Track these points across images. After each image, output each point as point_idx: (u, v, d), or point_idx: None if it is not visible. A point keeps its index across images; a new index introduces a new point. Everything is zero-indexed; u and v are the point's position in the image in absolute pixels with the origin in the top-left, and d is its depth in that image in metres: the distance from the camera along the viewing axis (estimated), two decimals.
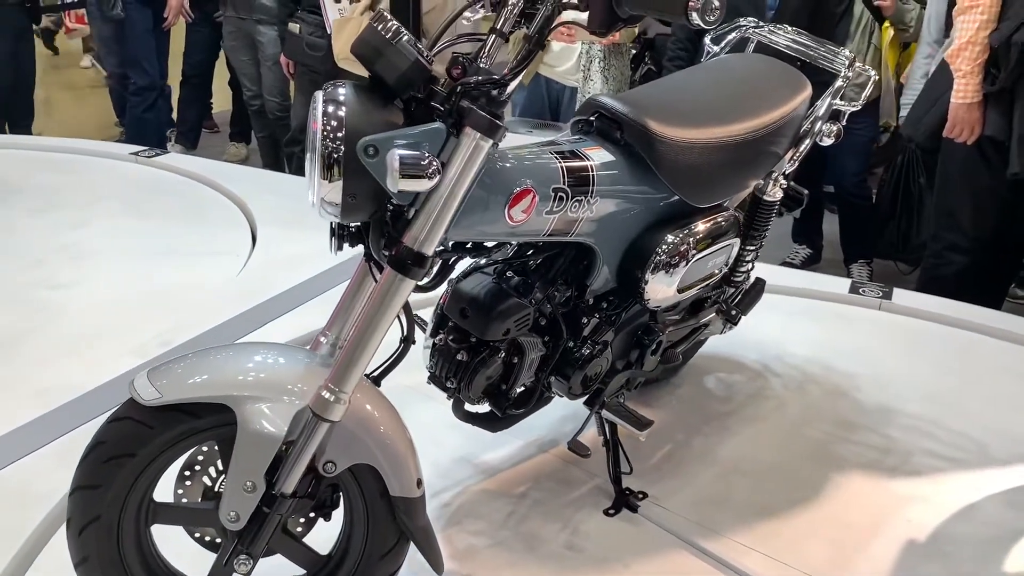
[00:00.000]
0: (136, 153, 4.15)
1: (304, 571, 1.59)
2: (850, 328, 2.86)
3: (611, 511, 2.01)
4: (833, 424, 2.34)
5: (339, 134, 1.32)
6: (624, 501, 2.02)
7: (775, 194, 2.11)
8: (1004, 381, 2.56)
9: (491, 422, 1.87)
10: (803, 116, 2.08)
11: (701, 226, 1.87)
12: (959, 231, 3.34)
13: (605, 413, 1.95)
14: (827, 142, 2.20)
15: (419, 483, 1.51)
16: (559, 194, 1.58)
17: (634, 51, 4.40)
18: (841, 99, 2.14)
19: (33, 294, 2.84)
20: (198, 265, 3.06)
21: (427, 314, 1.81)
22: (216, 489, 1.54)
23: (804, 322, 2.89)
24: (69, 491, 1.44)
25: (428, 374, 1.79)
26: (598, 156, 1.69)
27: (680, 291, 1.89)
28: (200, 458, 1.54)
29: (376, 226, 1.43)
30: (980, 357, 2.70)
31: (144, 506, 1.47)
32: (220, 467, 1.54)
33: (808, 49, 2.16)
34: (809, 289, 3.10)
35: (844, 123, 2.11)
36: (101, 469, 1.41)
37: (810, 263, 4.41)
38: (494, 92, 1.36)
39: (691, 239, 1.83)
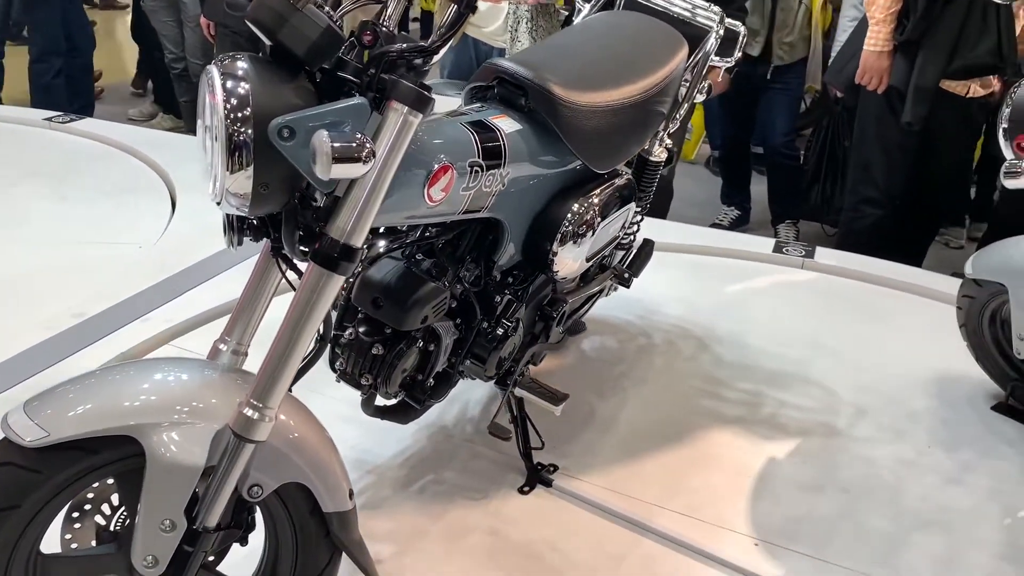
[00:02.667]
0: (50, 119, 4.00)
1: None
2: (772, 286, 2.93)
3: (526, 488, 1.96)
4: (749, 380, 2.39)
5: (245, 114, 1.15)
6: (537, 477, 1.98)
7: (660, 155, 2.11)
8: (915, 334, 2.65)
9: (404, 414, 1.76)
10: (681, 75, 2.07)
11: (603, 193, 1.82)
12: (873, 185, 3.41)
13: (518, 391, 1.88)
14: (699, 99, 2.22)
15: (351, 495, 1.38)
16: (474, 168, 1.48)
17: (565, 12, 4.24)
18: (715, 55, 2.16)
19: None
20: (114, 235, 2.99)
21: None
22: (111, 528, 1.34)
23: (727, 282, 2.94)
24: None
25: (336, 372, 1.65)
26: (506, 125, 1.59)
27: (587, 260, 1.85)
28: (90, 495, 1.34)
29: (289, 218, 1.27)
30: (894, 312, 2.80)
31: (32, 561, 1.25)
32: (115, 503, 1.34)
33: (678, 5, 2.15)
34: (734, 249, 3.15)
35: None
36: None
37: (739, 224, 4.40)
38: (418, 61, 1.23)
39: (596, 207, 1.78)
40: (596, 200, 1.79)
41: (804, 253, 3.11)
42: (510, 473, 2.00)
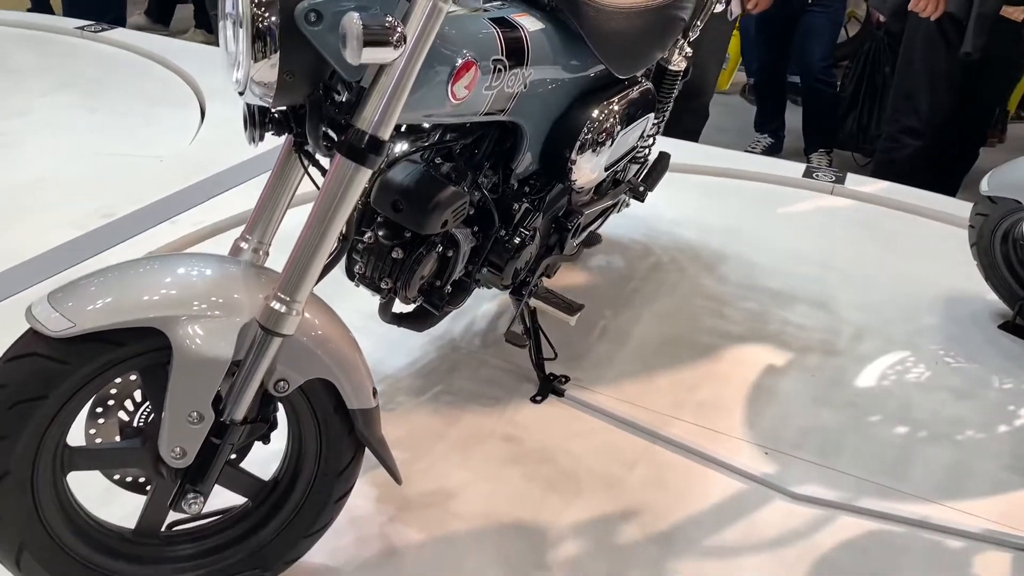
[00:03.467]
0: (82, 28, 4.05)
1: (245, 500, 1.45)
2: (800, 211, 2.89)
3: (538, 398, 1.98)
4: (759, 298, 2.39)
5: None
6: (550, 387, 1.99)
7: (680, 64, 2.07)
8: (933, 259, 2.62)
9: (420, 321, 1.76)
10: None
11: (623, 100, 1.79)
12: (915, 114, 3.33)
13: (533, 301, 1.88)
14: (718, 8, 2.17)
15: (375, 393, 1.38)
16: (497, 67, 1.45)
17: None
18: None
19: None
20: (144, 140, 3.07)
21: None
22: (135, 424, 1.35)
23: (754, 205, 2.91)
24: None
25: (355, 277, 1.64)
26: (528, 23, 1.55)
27: (605, 169, 1.82)
28: (113, 391, 1.33)
29: (314, 109, 1.24)
30: (918, 238, 2.77)
31: (59, 453, 1.26)
32: (139, 399, 1.34)
33: None
34: (764, 173, 3.11)
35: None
36: (5, 417, 1.18)
37: (771, 152, 4.33)
38: None
39: (616, 115, 1.75)
40: (616, 107, 1.75)
41: (834, 179, 3.06)
42: (522, 383, 2.02)
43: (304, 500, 1.42)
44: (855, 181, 3.09)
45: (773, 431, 1.93)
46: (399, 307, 1.75)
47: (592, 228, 2.08)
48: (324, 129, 1.25)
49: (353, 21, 1.08)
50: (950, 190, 3.37)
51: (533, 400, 1.97)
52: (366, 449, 1.41)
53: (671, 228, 2.70)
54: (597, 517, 1.67)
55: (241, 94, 1.21)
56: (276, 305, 1.21)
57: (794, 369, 2.13)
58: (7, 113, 3.29)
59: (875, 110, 4.02)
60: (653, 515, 1.69)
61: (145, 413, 1.34)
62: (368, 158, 1.18)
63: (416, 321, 1.76)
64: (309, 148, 1.31)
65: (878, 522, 1.71)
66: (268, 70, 1.15)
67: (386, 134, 1.19)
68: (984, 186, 2.21)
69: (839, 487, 1.78)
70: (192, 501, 1.27)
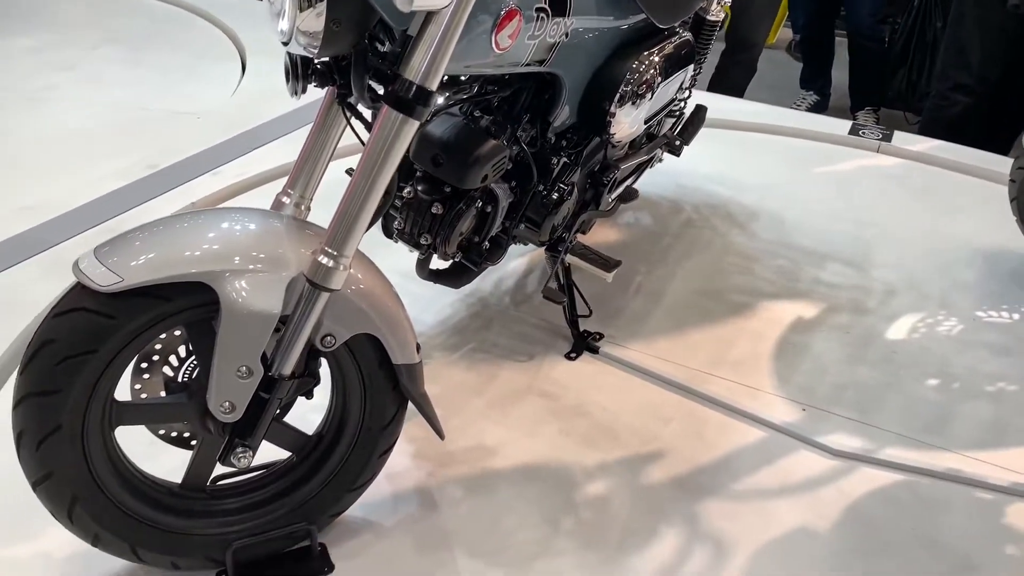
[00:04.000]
0: None
1: (289, 454, 1.45)
2: (845, 169, 2.84)
3: (572, 355, 1.97)
4: (794, 255, 2.38)
5: None
6: (584, 344, 1.98)
7: (718, 14, 2.02)
8: (984, 220, 2.56)
9: (457, 277, 1.75)
10: None
11: (663, 52, 1.75)
12: (966, 70, 3.22)
13: (569, 257, 1.86)
14: None
15: (418, 348, 1.38)
16: (540, 15, 1.41)
17: None
18: None
19: (16, 115, 2.94)
20: (186, 94, 3.15)
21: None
22: (180, 379, 1.35)
23: (799, 163, 2.86)
24: (14, 402, 1.20)
25: (393, 234, 1.63)
26: None
27: (644, 123, 1.80)
28: (158, 347, 1.33)
29: (359, 60, 1.21)
30: (969, 197, 2.72)
31: (107, 408, 1.26)
32: (183, 354, 1.34)
33: None
34: (809, 130, 3.04)
35: None
36: (56, 372, 1.17)
37: (817, 110, 4.15)
38: None
39: (656, 66, 1.72)
40: (657, 59, 1.72)
41: (881, 136, 2.99)
42: (556, 340, 2.01)
43: (349, 454, 1.42)
44: (903, 139, 3.02)
45: (809, 387, 1.92)
46: (435, 264, 1.74)
47: (628, 183, 2.05)
48: (369, 80, 1.22)
49: None
50: (1002, 149, 3.24)
51: (568, 357, 1.97)
52: (408, 404, 1.41)
53: (706, 184, 2.67)
54: (634, 470, 1.68)
55: (286, 44, 1.19)
56: (324, 259, 1.19)
57: (828, 326, 2.12)
58: (56, 67, 3.35)
59: (926, 66, 3.84)
60: (689, 468, 1.69)
61: (190, 368, 1.34)
62: (416, 109, 1.16)
63: (453, 277, 1.75)
64: (352, 100, 1.28)
65: (915, 476, 1.71)
66: (314, 19, 1.12)
67: (434, 84, 1.16)
68: None
69: (876, 442, 1.77)
70: (241, 455, 1.28)
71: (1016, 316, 2.18)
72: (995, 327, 2.14)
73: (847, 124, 3.13)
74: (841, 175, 2.85)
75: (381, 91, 1.25)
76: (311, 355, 1.30)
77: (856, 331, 2.10)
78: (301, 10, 1.11)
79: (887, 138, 3.00)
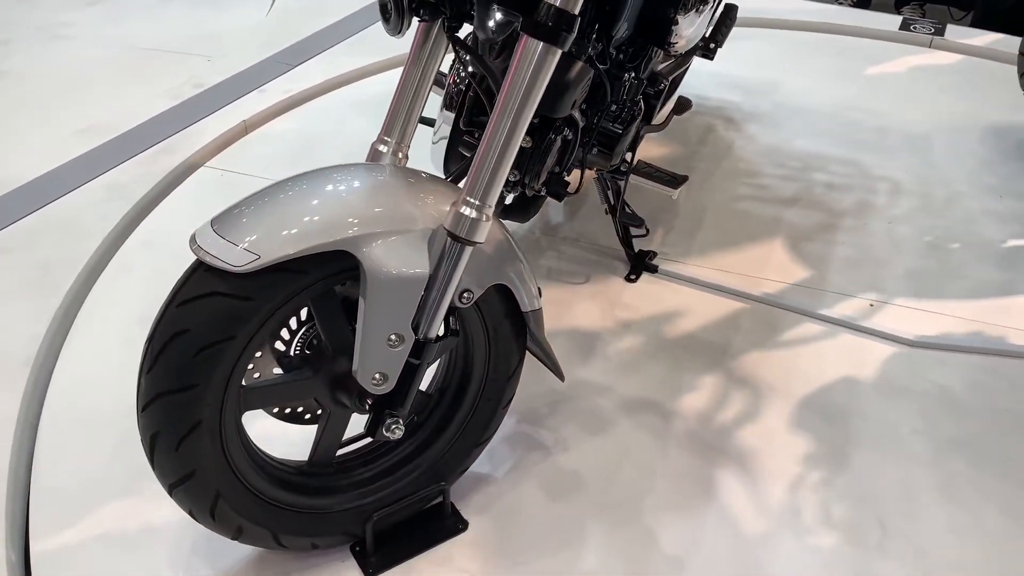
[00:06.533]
0: None
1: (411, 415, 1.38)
2: (896, 66, 2.79)
3: (632, 277, 1.93)
4: (838, 150, 2.37)
5: None
6: (642, 264, 1.95)
7: None
8: None
9: (524, 211, 1.68)
10: None
11: None
12: None
13: (635, 177, 1.80)
14: None
15: (540, 293, 1.31)
16: None
17: None
18: None
19: (52, 42, 2.97)
20: (222, 10, 3.20)
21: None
22: (293, 353, 1.25)
23: (847, 60, 2.79)
24: (144, 402, 1.09)
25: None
26: None
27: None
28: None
29: None
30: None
31: (238, 394, 1.16)
32: (293, 326, 1.24)
33: None
34: (857, 27, 2.97)
35: None
36: (192, 365, 1.07)
37: (861, 6, 3.89)
38: None
39: None
40: None
41: (933, 31, 2.94)
42: (614, 263, 1.97)
43: (474, 408, 1.36)
44: (955, 33, 2.98)
45: (873, 282, 1.94)
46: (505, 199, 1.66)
47: (673, 95, 1.98)
48: (495, 9, 1.12)
49: None
50: None
51: (628, 279, 1.93)
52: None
53: (744, 85, 2.61)
54: (727, 386, 1.67)
55: None
56: (466, 211, 1.11)
57: (881, 219, 2.13)
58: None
59: None
60: (779, 374, 1.69)
61: (303, 341, 1.25)
62: (560, 36, 1.06)
63: (522, 212, 1.68)
64: (473, 32, 1.17)
65: (992, 358, 1.75)
66: None
67: (576, 7, 1.07)
68: None
69: (948, 328, 1.81)
70: (393, 426, 1.20)
71: None
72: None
73: (897, 19, 3.08)
74: (895, 74, 2.80)
75: (493, 22, 1.15)
76: (448, 312, 1.22)
77: (899, 223, 2.13)
78: None
79: (939, 32, 2.95)
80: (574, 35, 1.08)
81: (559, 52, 1.08)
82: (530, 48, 1.07)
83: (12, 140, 2.40)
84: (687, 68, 2.01)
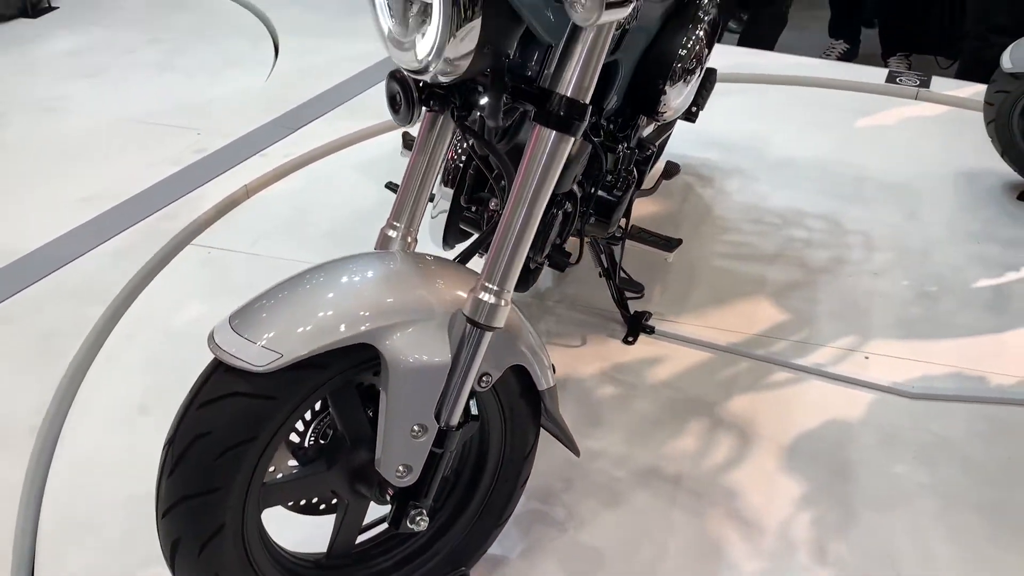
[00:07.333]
0: None
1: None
2: (882, 119, 2.81)
3: (630, 339, 1.94)
4: (827, 202, 2.40)
5: None
6: (638, 326, 1.96)
7: None
8: None
9: (524, 283, 1.68)
10: None
11: (704, 21, 1.71)
12: (1005, 9, 3.08)
13: (630, 242, 1.82)
14: None
15: (553, 369, 1.31)
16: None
17: None
18: None
19: (50, 114, 2.90)
20: (222, 77, 3.17)
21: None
22: (307, 445, 1.23)
23: (837, 114, 2.82)
24: (164, 507, 1.06)
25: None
26: None
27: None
28: None
29: (497, 79, 1.12)
30: None
31: (259, 493, 1.14)
32: (308, 419, 1.23)
33: None
34: (844, 80, 2.99)
35: None
36: (215, 468, 1.05)
37: (847, 59, 3.95)
38: None
39: (703, 39, 1.68)
40: (701, 32, 1.68)
41: (919, 83, 2.97)
42: (609, 325, 1.98)
43: (492, 489, 1.35)
44: (941, 84, 3.01)
45: (862, 334, 1.96)
46: None
47: (659, 159, 2.02)
48: (505, 99, 1.13)
49: None
50: None
51: (626, 342, 1.94)
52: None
53: (743, 141, 2.64)
54: (739, 446, 1.68)
55: (419, 72, 1.08)
56: (485, 296, 1.11)
57: (863, 272, 2.17)
58: (79, 50, 3.37)
59: (957, 6, 3.68)
60: (789, 433, 1.70)
61: (316, 433, 1.23)
62: (572, 124, 1.08)
63: (523, 283, 1.68)
64: (483, 119, 1.19)
65: (995, 407, 1.78)
66: (466, 40, 1.02)
67: (587, 97, 1.09)
68: (1007, 62, 2.26)
69: (944, 377, 1.84)
70: (418, 518, 1.18)
71: (1007, 234, 2.29)
72: (999, 246, 2.25)
73: (883, 72, 3.12)
74: (881, 127, 2.83)
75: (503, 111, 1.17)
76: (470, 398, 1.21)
77: (886, 274, 2.17)
78: (452, 35, 1.01)
79: (925, 84, 2.98)
80: (586, 123, 1.09)
81: (572, 140, 1.10)
82: (543, 138, 1.08)
83: (13, 210, 2.37)
84: (671, 133, 2.05)
